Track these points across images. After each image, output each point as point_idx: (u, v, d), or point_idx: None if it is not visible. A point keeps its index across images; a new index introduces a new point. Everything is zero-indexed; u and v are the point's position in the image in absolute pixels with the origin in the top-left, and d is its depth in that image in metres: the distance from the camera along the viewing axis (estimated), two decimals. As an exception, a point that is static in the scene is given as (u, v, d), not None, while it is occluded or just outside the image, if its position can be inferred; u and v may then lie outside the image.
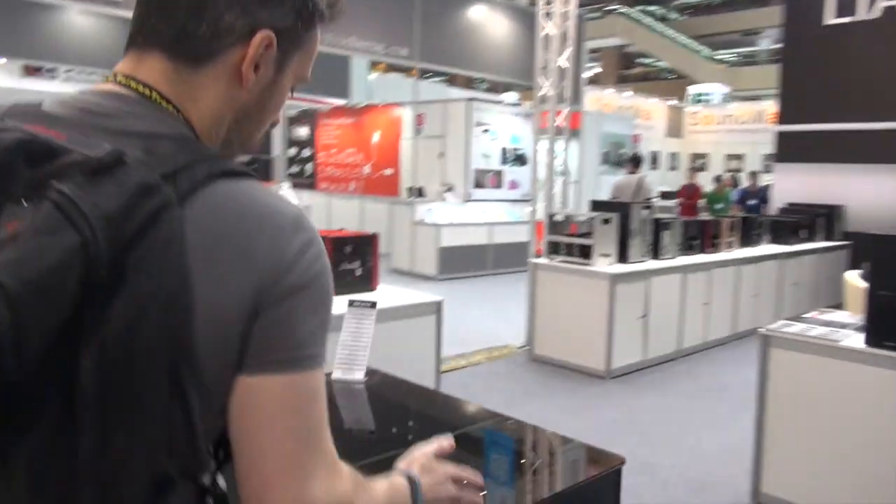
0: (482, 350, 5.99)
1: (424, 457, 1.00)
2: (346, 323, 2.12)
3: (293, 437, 0.71)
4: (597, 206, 5.99)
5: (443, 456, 1.02)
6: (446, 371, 5.29)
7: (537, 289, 5.72)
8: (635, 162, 8.76)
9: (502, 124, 11.53)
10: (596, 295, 5.29)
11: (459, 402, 1.90)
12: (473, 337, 6.44)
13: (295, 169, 14.31)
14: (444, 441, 1.03)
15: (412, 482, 0.93)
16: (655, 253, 5.91)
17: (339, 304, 2.19)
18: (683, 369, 5.65)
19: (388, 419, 1.88)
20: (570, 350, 5.49)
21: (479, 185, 11.14)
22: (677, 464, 3.75)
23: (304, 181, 13.67)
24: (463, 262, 10.06)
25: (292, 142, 14.40)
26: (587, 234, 5.54)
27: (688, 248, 6.30)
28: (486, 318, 7.32)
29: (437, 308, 3.85)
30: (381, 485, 0.88)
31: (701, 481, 3.53)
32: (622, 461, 1.52)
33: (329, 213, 13.07)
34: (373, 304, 2.16)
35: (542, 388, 5.03)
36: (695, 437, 4.15)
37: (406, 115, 11.94)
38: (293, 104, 13.25)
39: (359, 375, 2.03)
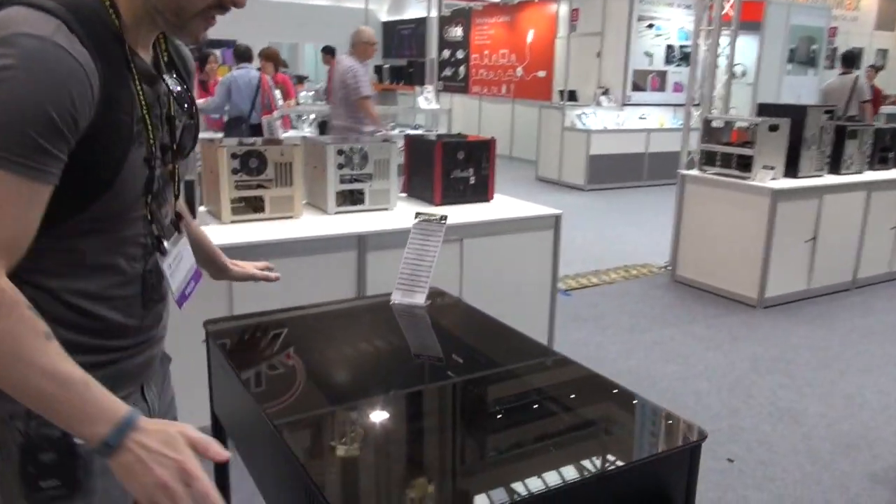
0: (619, 268, 5.56)
1: (180, 432, 0.86)
2: (410, 239, 1.89)
3: None
4: (764, 109, 5.15)
5: (209, 457, 0.87)
6: (575, 289, 4.98)
7: (685, 203, 5.12)
8: (848, 61, 7.48)
9: (670, 18, 10.34)
10: (754, 213, 4.62)
11: (524, 338, 1.63)
12: (612, 254, 6.01)
13: (448, 72, 14.01)
14: (218, 446, 0.87)
15: (130, 416, 0.85)
16: (835, 166, 5.04)
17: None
18: (857, 302, 4.87)
19: (443, 349, 1.65)
20: (718, 273, 4.91)
21: (637, 87, 10.19)
22: (827, 414, 3.23)
23: (456, 85, 13.38)
24: (614, 171, 9.40)
25: (446, 43, 14.02)
26: (748, 143, 4.80)
27: (879, 161, 5.30)
28: (629, 234, 6.80)
29: (554, 222, 3.50)
30: (74, 367, 0.86)
31: (853, 438, 3.01)
32: (703, 436, 1.19)
33: (480, 117, 12.75)
34: (442, 219, 1.90)
35: (679, 313, 4.56)
36: (855, 385, 3.55)
37: (562, 12, 11.08)
38: (448, 3, 12.81)
39: (419, 299, 1.81)
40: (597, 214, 7.59)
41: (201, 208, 3.17)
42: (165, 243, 1.11)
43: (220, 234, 2.82)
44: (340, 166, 3.25)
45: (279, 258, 2.78)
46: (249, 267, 1.63)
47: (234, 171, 2.97)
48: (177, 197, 1.18)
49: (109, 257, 1.02)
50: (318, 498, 0.99)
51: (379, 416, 1.27)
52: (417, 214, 1.92)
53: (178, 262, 1.18)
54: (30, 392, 0.85)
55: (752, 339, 4.14)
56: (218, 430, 1.66)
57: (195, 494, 0.83)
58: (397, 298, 1.83)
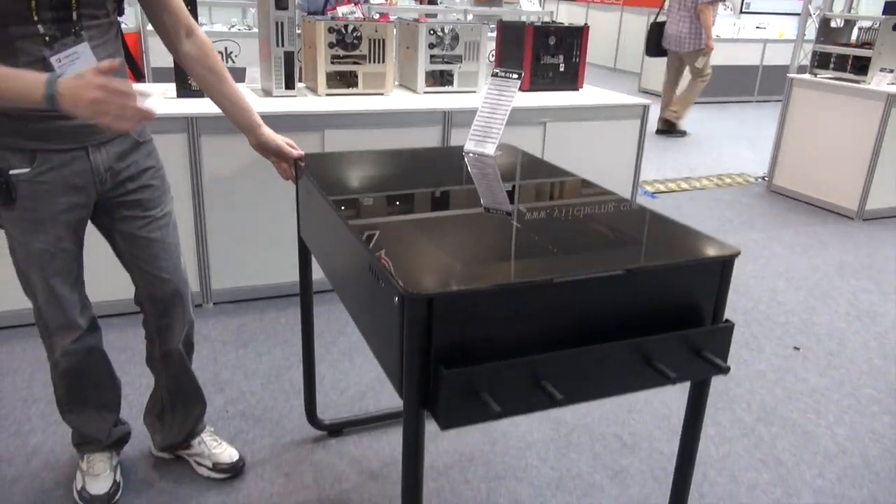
0: (712, 176, 5.42)
1: (86, 71, 1.24)
2: (486, 94, 1.99)
3: None
4: (891, 8, 4.74)
5: (108, 72, 1.24)
6: (662, 192, 4.93)
7: (791, 109, 4.87)
8: None
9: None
10: (865, 120, 4.36)
11: (589, 183, 1.72)
12: (707, 164, 5.84)
13: (555, -23, 13.45)
14: (110, 64, 1.25)
15: (49, 79, 1.22)
16: (967, 73, 4.61)
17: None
18: (970, 222, 4.57)
19: (504, 187, 1.77)
20: (818, 184, 4.71)
21: (758, -7, 9.48)
22: (911, 319, 3.15)
23: (563, -10, 12.88)
24: (723, 85, 8.92)
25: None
26: (868, 44, 4.48)
27: None
28: (729, 147, 6.55)
29: (642, 112, 3.48)
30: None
31: (936, 341, 2.94)
32: (735, 252, 1.27)
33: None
34: (519, 76, 1.98)
35: (769, 220, 4.45)
36: (950, 296, 3.41)
37: None
38: None
39: (490, 149, 1.93)
40: (697, 127, 7.31)
41: (300, 84, 3.37)
42: (56, 43, 1.38)
43: (315, 104, 3.01)
44: (431, 46, 3.34)
45: (369, 128, 2.96)
46: (279, 141, 1.75)
47: (331, 46, 3.13)
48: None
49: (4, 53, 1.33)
50: (386, 276, 1.16)
51: (442, 223, 1.42)
52: (495, 73, 2.00)
53: (73, 60, 1.41)
54: None
55: (842, 248, 4.02)
56: (303, 250, 1.89)
57: (117, 88, 1.23)
58: (470, 147, 1.96)
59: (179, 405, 1.91)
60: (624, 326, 1.21)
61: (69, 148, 1.49)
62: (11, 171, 1.45)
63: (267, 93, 3.15)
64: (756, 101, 9.03)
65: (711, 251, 1.28)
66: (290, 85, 3.09)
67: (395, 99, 3.21)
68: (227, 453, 1.98)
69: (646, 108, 3.48)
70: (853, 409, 2.44)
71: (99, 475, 1.84)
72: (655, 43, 6.67)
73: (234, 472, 1.97)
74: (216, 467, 1.96)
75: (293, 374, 2.49)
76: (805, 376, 2.64)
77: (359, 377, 2.49)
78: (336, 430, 2.19)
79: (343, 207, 1.47)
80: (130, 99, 1.24)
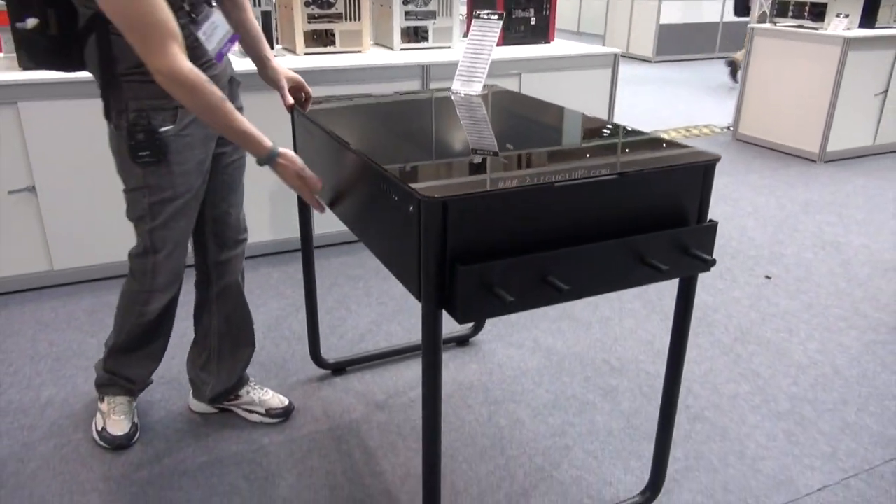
0: (679, 128, 5.57)
1: (296, 173, 1.55)
2: (470, 36, 2.07)
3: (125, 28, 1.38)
4: (845, -44, 4.89)
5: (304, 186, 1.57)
6: (633, 144, 5.05)
7: (752, 59, 5.03)
8: None
9: None
10: (822, 64, 4.53)
11: (576, 113, 1.81)
12: (673, 116, 6.00)
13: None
14: (315, 184, 1.57)
15: (272, 152, 1.52)
16: (917, 18, 4.80)
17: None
18: (924, 160, 4.79)
19: (505, 130, 1.86)
20: (781, 130, 4.89)
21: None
22: (870, 246, 3.34)
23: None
24: (685, 42, 9.09)
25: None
26: (824, -8, 4.63)
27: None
28: (694, 101, 6.71)
29: (613, 61, 3.58)
30: (246, 121, 1.50)
31: (894, 264, 3.13)
32: (716, 158, 1.38)
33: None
34: (500, 16, 2.06)
35: (736, 166, 4.62)
36: (907, 225, 3.62)
37: None
38: None
39: (476, 88, 2.02)
40: (663, 84, 7.46)
41: (278, 46, 3.40)
42: (198, 16, 1.56)
43: (294, 63, 3.05)
44: (405, 2, 3.39)
45: (348, 85, 3.01)
46: (285, 76, 1.86)
47: (307, 4, 3.16)
48: None
49: None
50: (401, 187, 1.25)
51: (442, 147, 1.50)
52: (478, 14, 2.08)
53: (213, 29, 1.60)
54: (220, 129, 1.49)
55: (806, 188, 4.20)
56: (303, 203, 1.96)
57: (310, 187, 1.58)
58: (457, 87, 2.04)
59: (229, 349, 1.97)
60: (619, 227, 1.32)
61: None
62: (161, 129, 1.56)
63: (244, 54, 3.17)
64: (718, 58, 9.21)
65: (694, 157, 1.40)
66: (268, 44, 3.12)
67: (373, 56, 3.26)
68: (276, 398, 2.05)
69: (616, 56, 3.58)
70: (822, 326, 2.61)
71: (120, 417, 1.91)
72: (742, 2, 6.78)
73: (287, 415, 2.04)
74: (269, 412, 2.02)
75: (291, 323, 2.57)
76: (777, 300, 2.81)
77: (356, 322, 2.59)
78: (339, 368, 2.29)
79: (348, 139, 1.55)
80: (312, 192, 1.59)
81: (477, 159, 1.38)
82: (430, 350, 1.26)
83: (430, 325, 1.24)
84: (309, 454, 1.89)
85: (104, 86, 1.56)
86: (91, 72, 1.60)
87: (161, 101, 1.52)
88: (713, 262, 1.36)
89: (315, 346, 2.23)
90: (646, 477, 1.82)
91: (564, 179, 1.24)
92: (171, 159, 1.60)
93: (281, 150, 1.53)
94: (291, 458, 1.87)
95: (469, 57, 2.05)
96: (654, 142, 1.51)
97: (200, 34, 1.57)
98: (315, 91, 1.94)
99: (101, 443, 1.89)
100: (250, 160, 1.63)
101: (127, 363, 1.90)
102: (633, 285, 1.34)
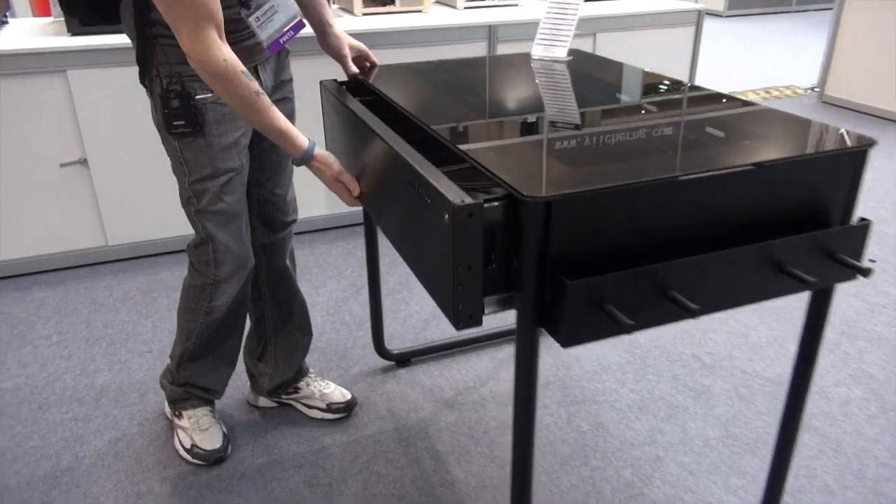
0: (758, 90, 5.17)
1: (333, 176, 1.39)
2: (553, -7, 1.82)
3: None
4: None
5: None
6: (709, 107, 4.69)
7: (844, 13, 4.57)
8: None
9: None
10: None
11: (696, 88, 1.57)
12: (751, 77, 5.57)
13: None
14: (353, 189, 1.40)
15: (309, 150, 1.36)
16: None
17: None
18: None
19: (602, 106, 1.63)
20: (877, 91, 4.46)
21: None
22: None
23: None
24: (760, -6, 8.47)
25: None
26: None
27: None
28: (772, 58, 6.23)
29: (696, 18, 3.26)
30: (282, 117, 1.33)
31: None
32: (872, 142, 1.14)
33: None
34: (588, -29, 1.80)
35: (825, 133, 4.23)
36: None
37: None
38: None
39: (560, 53, 1.78)
40: (736, 40, 6.96)
41: (334, 6, 3.19)
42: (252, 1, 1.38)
43: (351, 24, 2.84)
44: (470, -44, 3.12)
45: (408, 47, 2.80)
46: (349, 44, 1.66)
47: (365, -40, 2.94)
48: None
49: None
50: (494, 181, 1.05)
51: (529, 130, 1.30)
52: (561, -33, 1.83)
53: (270, 14, 1.40)
54: (253, 124, 1.31)
55: (907, 157, 3.82)
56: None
57: (348, 188, 1.40)
58: (538, 53, 1.81)
59: (284, 337, 1.83)
60: (750, 229, 1.10)
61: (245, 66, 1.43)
62: (197, 96, 1.41)
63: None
64: (795, 12, 8.58)
65: (844, 142, 1.15)
66: None
67: (435, 15, 3.02)
68: (338, 392, 1.90)
69: (700, 14, 3.25)
70: (939, 320, 2.33)
71: (208, 429, 1.76)
72: None
73: (349, 411, 1.90)
74: (330, 407, 1.88)
75: (352, 306, 2.42)
76: (885, 288, 2.52)
77: (419, 306, 2.42)
78: (404, 360, 2.13)
79: (410, 114, 1.35)
80: (350, 193, 1.42)
81: (575, 147, 1.17)
82: (525, 383, 1.07)
83: (527, 346, 1.05)
84: (374, 458, 1.75)
85: (138, 47, 1.40)
86: (125, 30, 1.44)
87: None
88: (868, 271, 1.12)
89: (378, 336, 2.08)
90: (751, 498, 1.62)
91: (691, 172, 1.02)
92: (208, 131, 1.45)
93: (317, 151, 1.37)
94: (356, 462, 1.73)
95: (552, 16, 1.81)
96: (790, 122, 1.27)
97: (252, 20, 1.39)
98: (375, 55, 1.74)
99: (196, 461, 1.73)
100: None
101: (200, 372, 1.73)
102: (769, 297, 1.12)
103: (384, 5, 3.06)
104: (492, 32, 2.90)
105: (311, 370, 1.94)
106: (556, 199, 0.95)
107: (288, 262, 1.79)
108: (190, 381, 1.75)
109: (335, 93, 1.58)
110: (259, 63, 1.49)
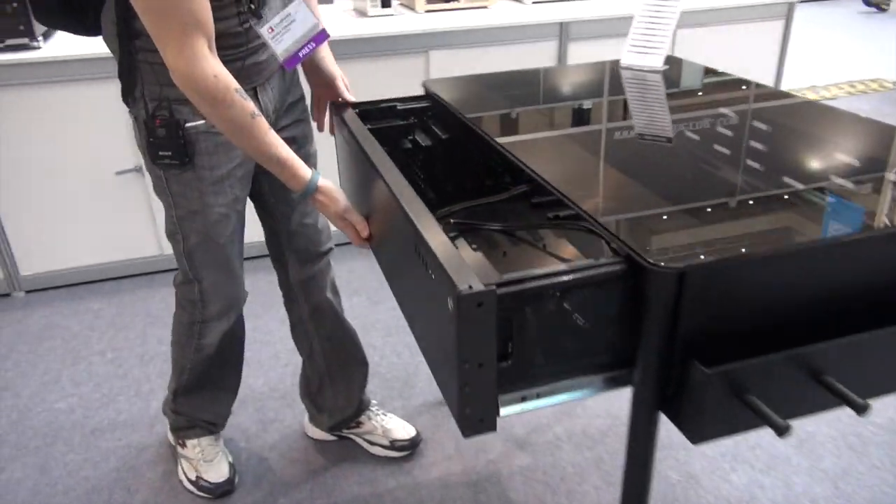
0: (842, 83, 4.81)
1: (338, 214, 1.23)
2: (647, -6, 1.63)
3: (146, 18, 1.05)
4: None
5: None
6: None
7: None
8: None
9: None
10: None
11: (794, 95, 1.37)
12: (833, 69, 5.20)
13: None
14: (363, 229, 1.24)
15: (312, 183, 1.20)
16: None
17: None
18: None
19: (722, 134, 1.44)
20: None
21: None
22: None
23: None
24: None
25: None
26: None
27: None
28: (856, 48, 5.82)
29: (786, 11, 2.99)
30: (282, 144, 1.17)
31: None
32: None
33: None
34: (688, -31, 1.60)
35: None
36: None
37: None
38: None
39: (656, 62, 1.59)
40: (808, 31, 6.54)
41: (395, 2, 3.04)
42: (264, 10, 1.20)
43: (413, 23, 2.68)
44: (540, -53, 2.92)
45: (473, 47, 2.62)
46: (337, 71, 1.43)
47: (428, -46, 2.77)
48: None
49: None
50: (613, 245, 0.89)
51: (628, 166, 1.12)
52: (656, -36, 1.63)
53: (287, 25, 1.21)
54: (248, 151, 1.16)
55: None
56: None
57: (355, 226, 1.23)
58: (630, 61, 1.62)
59: (338, 370, 1.70)
60: (918, 296, 0.91)
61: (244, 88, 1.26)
62: (188, 124, 1.24)
63: (361, 13, 2.84)
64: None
65: None
66: (385, 3, 2.77)
67: (502, 12, 2.84)
68: (401, 427, 1.77)
69: (791, 6, 2.98)
70: None
71: (213, 460, 1.66)
72: None
73: (413, 448, 1.76)
74: (394, 445, 1.74)
75: (413, 326, 2.29)
76: None
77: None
78: (470, 390, 1.99)
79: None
80: (358, 233, 1.25)
81: (702, 194, 0.99)
82: (640, 467, 0.91)
83: (644, 433, 0.89)
84: (442, 507, 1.61)
85: (121, 61, 1.23)
86: (106, 42, 1.27)
87: None
88: None
89: (443, 364, 1.94)
90: (873, 576, 1.42)
91: (856, 232, 0.84)
92: (199, 163, 1.28)
93: (321, 183, 1.21)
94: (422, 510, 1.60)
95: (647, 18, 1.62)
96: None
97: (265, 31, 1.20)
98: (439, 56, 1.57)
99: (202, 493, 1.64)
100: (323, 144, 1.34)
101: (198, 405, 1.64)
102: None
103: (447, 1, 2.89)
104: (563, 30, 2.70)
105: (372, 402, 1.81)
106: (691, 269, 0.78)
107: (329, 294, 1.63)
108: (189, 413, 1.65)
109: (344, 117, 1.37)
110: (259, 84, 1.30)
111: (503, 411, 0.85)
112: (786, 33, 3.01)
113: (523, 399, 0.87)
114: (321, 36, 1.26)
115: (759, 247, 0.81)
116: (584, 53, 2.74)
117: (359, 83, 2.51)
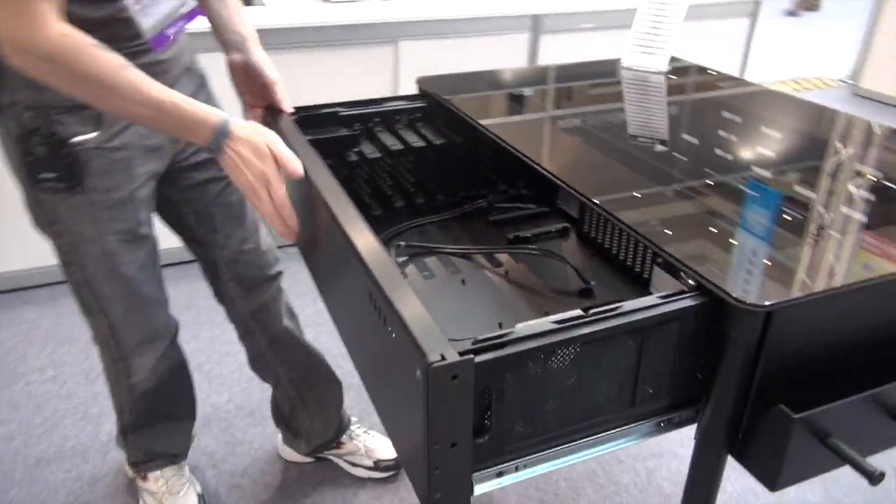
0: (786, 80, 4.93)
1: (267, 144, 0.92)
2: (648, -11, 1.55)
3: None
4: None
5: (287, 172, 0.93)
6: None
7: (884, 5, 4.33)
8: None
9: None
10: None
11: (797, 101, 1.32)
12: (775, 66, 5.32)
13: None
14: (297, 163, 0.93)
15: (222, 125, 0.91)
16: None
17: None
18: None
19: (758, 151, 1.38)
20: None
21: None
22: None
23: None
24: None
25: None
26: None
27: None
28: (798, 47, 5.99)
29: (752, 10, 2.99)
30: (168, 89, 0.91)
31: None
32: None
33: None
34: (689, -35, 1.54)
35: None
36: None
37: None
38: None
39: (661, 63, 1.51)
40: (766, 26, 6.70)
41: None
42: None
43: (385, 11, 2.54)
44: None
45: (441, 38, 2.51)
46: (273, 87, 1.16)
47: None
48: None
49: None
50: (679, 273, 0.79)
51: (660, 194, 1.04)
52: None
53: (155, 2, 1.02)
54: (132, 116, 0.94)
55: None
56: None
57: (274, 198, 0.92)
58: (632, 62, 1.54)
59: (310, 394, 1.54)
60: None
61: None
62: (74, 139, 1.03)
63: (323, -1, 2.67)
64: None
65: None
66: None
67: (474, 1, 2.72)
68: (387, 446, 1.64)
69: (757, 4, 2.99)
70: None
71: (179, 492, 1.50)
72: None
73: (399, 468, 1.64)
74: (378, 465, 1.63)
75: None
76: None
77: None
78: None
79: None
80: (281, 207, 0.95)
81: (760, 218, 0.92)
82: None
83: (708, 476, 0.81)
84: (436, 534, 1.51)
85: None
86: None
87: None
88: None
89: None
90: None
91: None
92: (91, 185, 1.07)
93: (233, 124, 0.92)
94: (414, 538, 1.50)
95: (650, 15, 1.54)
96: None
97: (130, 2, 0.99)
98: (410, 47, 1.43)
99: None
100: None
101: (152, 438, 1.46)
102: None
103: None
104: (536, 23, 2.61)
105: (353, 420, 1.68)
106: (780, 308, 0.70)
107: (286, 321, 1.46)
108: (143, 449, 1.47)
109: (282, 127, 1.10)
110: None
111: (477, 489, 0.72)
112: (750, 34, 3.02)
113: (499, 475, 0.73)
114: (194, 12, 1.09)
115: (840, 279, 0.74)
116: (557, 47, 2.66)
117: (322, 75, 2.36)
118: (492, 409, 0.68)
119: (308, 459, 1.68)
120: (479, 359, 0.64)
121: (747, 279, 0.75)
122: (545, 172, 1.01)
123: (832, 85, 4.82)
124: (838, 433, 0.75)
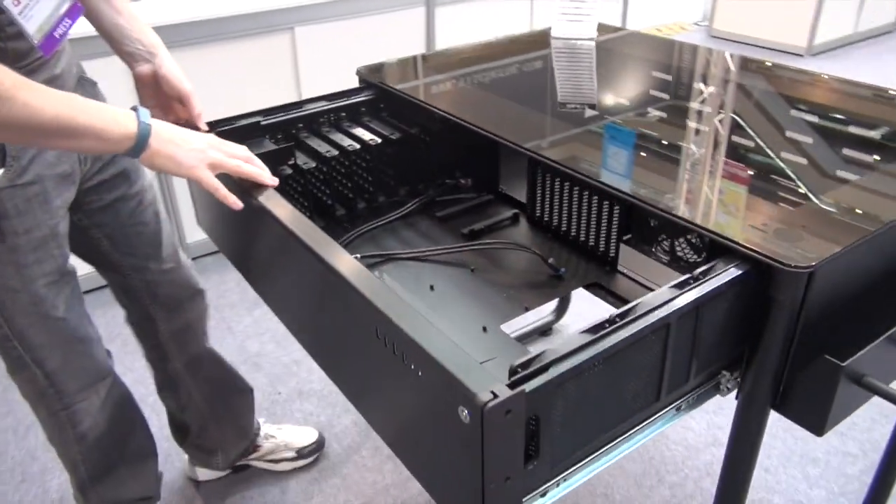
0: (649, 28, 5.19)
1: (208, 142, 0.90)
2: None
3: None
4: None
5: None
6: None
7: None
8: None
9: None
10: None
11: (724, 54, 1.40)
12: (635, 13, 5.58)
13: None
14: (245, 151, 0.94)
15: (141, 131, 0.84)
16: None
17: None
18: (901, 44, 4.67)
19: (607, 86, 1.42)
20: (763, 24, 4.59)
21: None
22: None
23: None
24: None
25: None
26: None
27: None
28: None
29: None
30: (72, 94, 0.82)
31: None
32: None
33: None
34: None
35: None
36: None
37: None
38: None
39: (588, 30, 1.54)
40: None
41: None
42: None
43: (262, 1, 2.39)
44: None
45: (337, 20, 2.41)
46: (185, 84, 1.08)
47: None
48: None
49: None
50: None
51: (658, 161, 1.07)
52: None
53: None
54: (40, 139, 0.83)
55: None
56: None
57: (238, 154, 0.90)
58: (560, 31, 1.56)
59: (223, 407, 1.48)
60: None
61: None
62: None
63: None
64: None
65: None
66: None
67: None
68: (302, 434, 1.65)
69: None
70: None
71: None
72: None
73: (320, 449, 1.68)
74: (301, 453, 1.63)
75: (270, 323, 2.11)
76: None
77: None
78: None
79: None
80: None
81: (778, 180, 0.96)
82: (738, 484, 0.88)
83: (752, 434, 0.86)
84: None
85: None
86: None
87: None
88: None
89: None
90: None
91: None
92: (7, 229, 0.97)
93: (155, 127, 0.86)
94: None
95: (571, -13, 1.56)
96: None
97: (9, 3, 0.87)
98: (307, 32, 1.37)
99: None
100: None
101: (116, 487, 1.32)
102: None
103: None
104: (429, -6, 2.57)
105: (260, 420, 1.65)
106: (821, 268, 0.75)
107: (206, 342, 1.42)
108: (111, 501, 1.34)
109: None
110: None
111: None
112: (626, -15, 3.13)
113: (544, 495, 0.71)
114: (76, 9, 0.98)
115: (864, 229, 0.80)
116: (453, 18, 2.64)
117: (218, 74, 2.21)
118: (539, 434, 0.65)
119: (224, 473, 1.63)
120: (530, 387, 0.61)
121: (776, 242, 0.78)
122: (520, 148, 1.00)
123: (689, 29, 5.13)
124: (871, 372, 0.81)
